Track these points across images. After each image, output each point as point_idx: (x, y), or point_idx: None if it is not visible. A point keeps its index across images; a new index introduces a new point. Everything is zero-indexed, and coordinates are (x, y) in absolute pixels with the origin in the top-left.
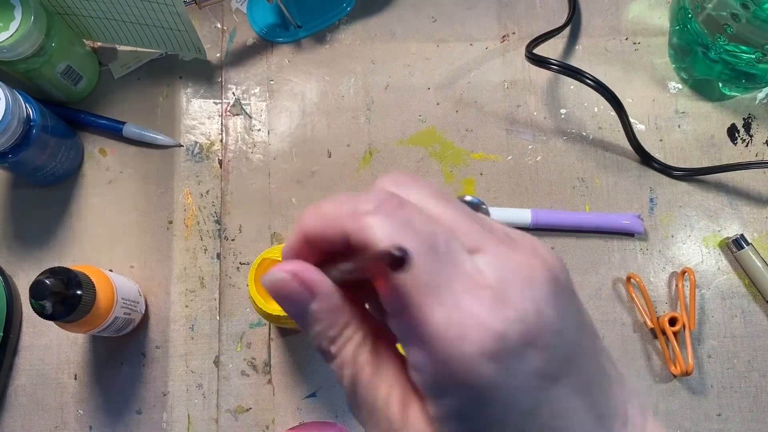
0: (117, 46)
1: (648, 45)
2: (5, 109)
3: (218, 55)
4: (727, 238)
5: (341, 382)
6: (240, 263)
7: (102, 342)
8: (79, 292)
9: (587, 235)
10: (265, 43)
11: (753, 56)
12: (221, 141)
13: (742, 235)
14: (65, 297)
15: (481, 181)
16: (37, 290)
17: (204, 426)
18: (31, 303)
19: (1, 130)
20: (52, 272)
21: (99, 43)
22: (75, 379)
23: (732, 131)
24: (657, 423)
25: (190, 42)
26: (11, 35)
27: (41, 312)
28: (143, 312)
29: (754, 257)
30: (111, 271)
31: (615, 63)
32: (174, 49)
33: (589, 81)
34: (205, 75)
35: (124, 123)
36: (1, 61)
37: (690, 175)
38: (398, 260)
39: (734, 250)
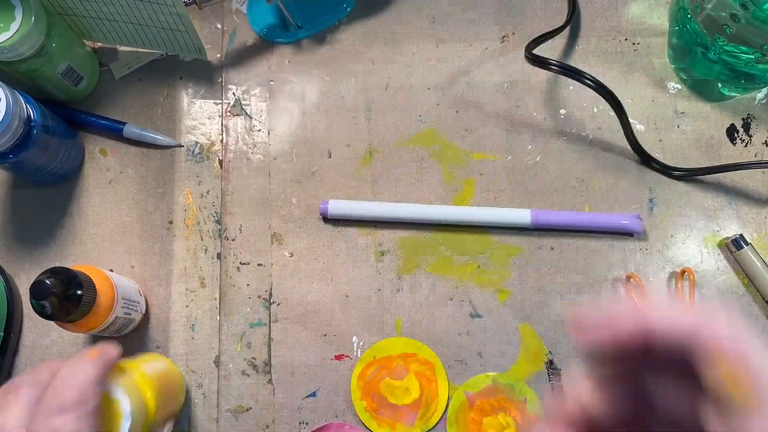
0: (117, 46)
1: (647, 45)
2: (6, 110)
3: (218, 55)
4: (726, 238)
5: None
6: (240, 263)
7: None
8: (79, 292)
9: (587, 235)
10: (265, 44)
11: (752, 57)
12: (221, 141)
13: (741, 235)
14: (65, 297)
15: (480, 181)
16: (37, 290)
17: (204, 426)
18: (31, 303)
19: (2, 131)
20: (53, 272)
21: (99, 44)
22: None
23: (731, 131)
24: None
25: (191, 42)
26: (12, 35)
27: (41, 312)
28: (143, 312)
29: (753, 257)
30: (111, 271)
31: (614, 63)
32: (174, 49)
33: (588, 81)
34: (206, 75)
35: (124, 123)
36: (2, 61)
37: (689, 176)
38: None
39: (733, 250)
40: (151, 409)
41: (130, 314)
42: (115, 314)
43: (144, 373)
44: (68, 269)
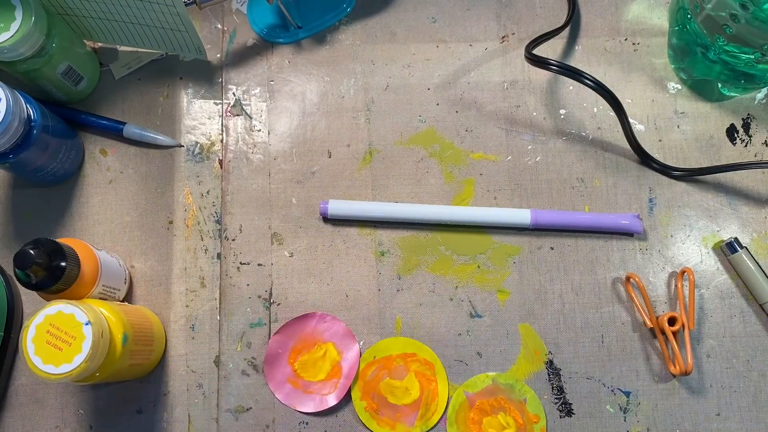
0: (117, 46)
1: (647, 45)
2: (6, 110)
3: (218, 55)
4: (721, 240)
5: None
6: (240, 263)
7: None
8: (63, 263)
9: (587, 235)
10: (265, 44)
11: (752, 57)
12: (222, 141)
13: (735, 239)
14: (49, 268)
15: (480, 181)
16: (21, 260)
17: (204, 426)
18: (15, 273)
19: (2, 131)
20: (37, 243)
21: (99, 44)
22: None
23: (731, 131)
24: None
25: (191, 42)
26: (12, 35)
27: (27, 282)
28: (128, 284)
29: (747, 261)
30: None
31: (614, 63)
32: (174, 49)
33: (588, 81)
34: (206, 75)
35: (124, 123)
36: (2, 61)
37: (689, 176)
38: None
39: (728, 253)
40: (113, 320)
41: (114, 287)
42: (100, 287)
43: (109, 306)
44: (53, 240)
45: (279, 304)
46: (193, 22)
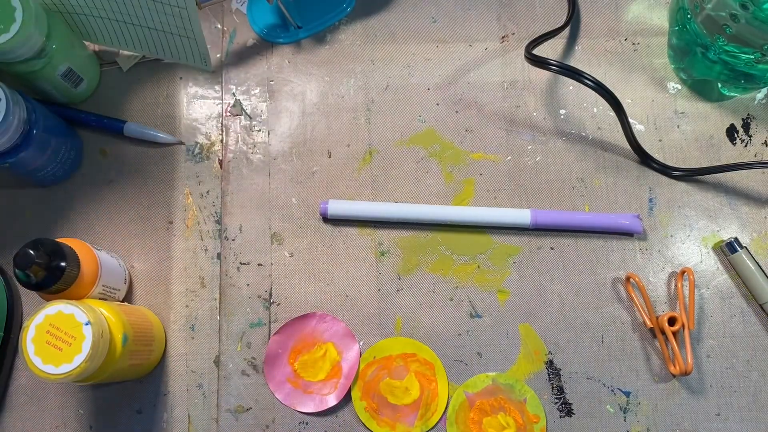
0: (119, 50)
1: (647, 45)
2: (5, 110)
3: (218, 55)
4: (721, 240)
5: None
6: (240, 263)
7: None
8: (63, 263)
9: (587, 235)
10: (265, 44)
11: (752, 57)
12: (221, 141)
13: (735, 239)
14: (49, 268)
15: (480, 181)
16: (21, 260)
17: (204, 426)
18: (15, 273)
19: (2, 131)
20: (37, 243)
21: (100, 46)
22: None
23: (731, 131)
24: None
25: (197, 51)
26: (12, 37)
27: (27, 282)
28: (127, 284)
29: (747, 261)
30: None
31: (614, 63)
32: (179, 57)
33: (588, 81)
34: (206, 75)
35: (125, 121)
36: (1, 62)
37: (689, 176)
38: None
39: (728, 253)
40: (113, 320)
41: (114, 287)
42: (99, 287)
43: (109, 306)
44: (53, 240)
45: (279, 304)
46: (202, 29)
